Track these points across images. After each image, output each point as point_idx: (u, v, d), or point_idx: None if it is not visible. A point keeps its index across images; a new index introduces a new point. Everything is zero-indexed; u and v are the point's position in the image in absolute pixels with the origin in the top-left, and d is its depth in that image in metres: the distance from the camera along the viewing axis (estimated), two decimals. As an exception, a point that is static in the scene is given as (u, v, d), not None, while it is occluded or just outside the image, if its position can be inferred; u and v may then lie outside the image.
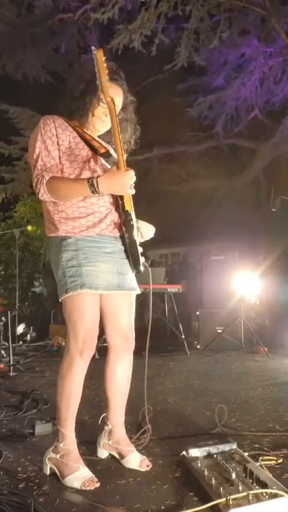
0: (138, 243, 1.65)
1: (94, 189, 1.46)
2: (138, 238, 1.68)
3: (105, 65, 1.41)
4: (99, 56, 1.41)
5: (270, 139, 7.26)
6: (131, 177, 1.49)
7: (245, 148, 8.07)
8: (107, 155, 1.59)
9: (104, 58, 1.41)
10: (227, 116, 7.09)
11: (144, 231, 1.71)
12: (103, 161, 1.60)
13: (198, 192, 8.52)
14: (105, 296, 1.61)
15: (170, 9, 5.65)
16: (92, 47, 1.43)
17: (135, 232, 1.61)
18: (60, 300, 1.57)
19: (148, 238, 1.73)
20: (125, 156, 1.62)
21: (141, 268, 1.67)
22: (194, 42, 6.01)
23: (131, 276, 1.66)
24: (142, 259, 1.67)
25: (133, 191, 1.55)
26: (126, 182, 1.48)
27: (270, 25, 5.88)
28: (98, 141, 1.62)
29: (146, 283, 1.73)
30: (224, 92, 6.81)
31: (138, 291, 1.69)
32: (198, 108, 6.91)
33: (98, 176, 1.49)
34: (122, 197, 1.59)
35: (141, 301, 2.04)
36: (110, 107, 1.50)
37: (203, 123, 7.26)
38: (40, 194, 1.52)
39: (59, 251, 1.55)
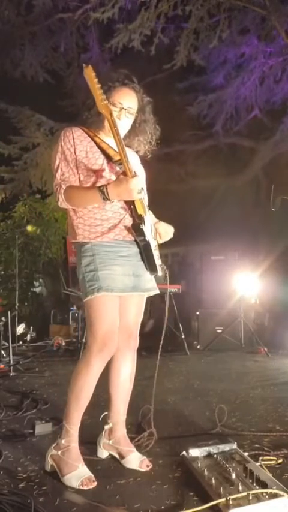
0: (154, 246, 1.69)
1: (105, 197, 1.52)
2: (155, 240, 1.73)
3: (96, 79, 1.46)
4: (89, 72, 1.45)
5: (270, 139, 7.25)
6: (136, 183, 1.51)
7: (244, 147, 8.05)
8: (121, 162, 1.61)
9: (93, 73, 1.46)
10: (226, 115, 7.08)
11: (163, 232, 1.76)
12: (118, 168, 1.64)
13: (197, 192, 8.51)
14: (120, 297, 1.66)
15: (170, 9, 5.64)
16: (83, 64, 1.48)
17: (148, 236, 1.64)
18: (84, 301, 1.63)
19: (167, 239, 1.77)
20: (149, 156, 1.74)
21: (159, 271, 1.71)
22: (194, 42, 6.00)
23: (148, 277, 1.71)
24: (159, 262, 1.70)
25: (141, 196, 1.59)
26: (132, 188, 1.51)
27: (270, 24, 5.86)
28: (113, 149, 1.66)
29: (158, 283, 1.77)
30: (223, 90, 6.79)
31: (157, 291, 1.75)
32: (198, 106, 6.90)
33: (107, 184, 1.54)
34: (133, 202, 1.62)
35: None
36: (108, 119, 1.54)
37: (203, 122, 7.25)
38: (59, 203, 1.62)
39: (79, 257, 1.64)
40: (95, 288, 1.56)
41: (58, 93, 7.01)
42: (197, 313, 4.96)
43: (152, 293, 1.74)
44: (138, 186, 1.52)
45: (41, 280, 7.20)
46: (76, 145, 1.63)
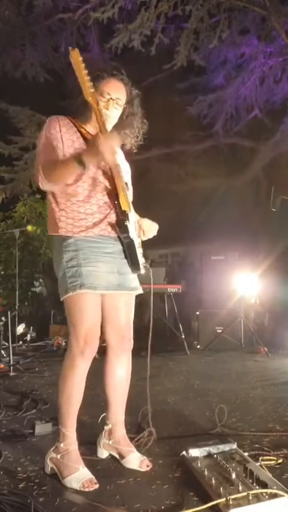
0: (138, 244, 1.65)
1: (80, 161, 1.43)
2: (139, 238, 1.68)
3: (83, 65, 1.41)
4: (75, 55, 1.41)
5: (271, 139, 7.26)
6: (108, 138, 1.44)
7: (245, 147, 8.07)
8: None
9: (80, 58, 1.41)
10: (226, 115, 7.09)
11: (147, 229, 1.71)
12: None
13: (197, 192, 8.52)
14: (105, 295, 1.62)
15: (170, 9, 5.64)
16: (70, 48, 1.43)
17: (132, 233, 1.60)
18: (61, 300, 1.58)
19: (151, 237, 1.72)
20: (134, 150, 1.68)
21: (142, 269, 1.66)
22: (194, 42, 6.00)
23: (132, 276, 1.66)
24: (142, 260, 1.66)
25: (115, 160, 1.50)
26: (103, 144, 1.41)
27: (270, 24, 5.87)
28: None
29: (146, 283, 1.73)
30: (223, 91, 6.80)
31: (140, 291, 1.70)
32: (198, 106, 6.91)
33: (83, 150, 1.49)
34: (117, 197, 1.59)
35: (141, 302, 2.03)
36: (94, 108, 1.50)
37: (203, 123, 7.26)
38: (40, 183, 1.53)
39: (60, 251, 1.57)
40: (77, 285, 1.50)
41: (59, 94, 7.01)
42: (197, 313, 4.97)
43: (137, 292, 1.69)
44: (109, 142, 1.43)
45: (41, 280, 7.20)
46: (63, 133, 1.55)
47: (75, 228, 1.55)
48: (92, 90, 1.45)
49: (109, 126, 1.65)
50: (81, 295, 1.52)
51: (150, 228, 1.72)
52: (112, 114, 1.62)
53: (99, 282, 1.54)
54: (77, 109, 1.61)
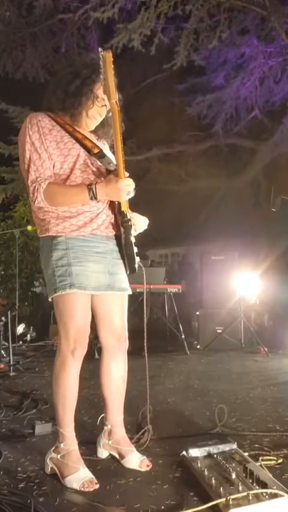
0: (133, 242, 1.64)
1: (93, 196, 1.47)
2: (132, 233, 1.66)
3: (112, 66, 1.39)
4: (108, 58, 1.39)
5: (270, 139, 7.26)
6: (128, 184, 1.49)
7: (244, 148, 8.07)
8: (100, 155, 1.56)
9: (112, 60, 1.39)
10: (226, 116, 7.09)
11: (138, 223, 1.69)
12: (98, 162, 1.58)
13: (197, 192, 8.52)
14: (96, 296, 1.61)
15: (170, 9, 5.64)
16: (100, 48, 1.41)
17: (132, 232, 1.61)
18: (50, 299, 1.57)
19: (141, 231, 1.71)
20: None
21: (136, 267, 1.65)
22: (194, 42, 6.00)
23: (122, 277, 1.65)
24: (137, 259, 1.65)
25: (131, 195, 1.54)
26: (123, 189, 1.48)
27: (270, 25, 5.87)
28: (90, 140, 1.58)
29: (145, 283, 1.73)
30: (223, 91, 6.80)
31: (130, 292, 1.69)
32: (198, 107, 6.91)
33: (96, 183, 1.49)
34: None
35: (141, 301, 2.04)
36: (114, 109, 1.46)
37: (203, 123, 7.26)
38: (37, 202, 1.50)
39: (49, 250, 1.55)
40: (67, 284, 1.48)
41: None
42: (197, 313, 4.96)
43: (127, 293, 1.67)
44: (128, 187, 1.48)
45: (41, 280, 7.20)
46: (45, 135, 1.51)
47: (66, 228, 1.53)
48: (116, 101, 1.42)
49: (93, 127, 1.64)
50: (70, 295, 1.51)
51: (142, 222, 1.70)
52: (100, 118, 1.62)
53: (89, 282, 1.52)
54: (69, 107, 1.55)
